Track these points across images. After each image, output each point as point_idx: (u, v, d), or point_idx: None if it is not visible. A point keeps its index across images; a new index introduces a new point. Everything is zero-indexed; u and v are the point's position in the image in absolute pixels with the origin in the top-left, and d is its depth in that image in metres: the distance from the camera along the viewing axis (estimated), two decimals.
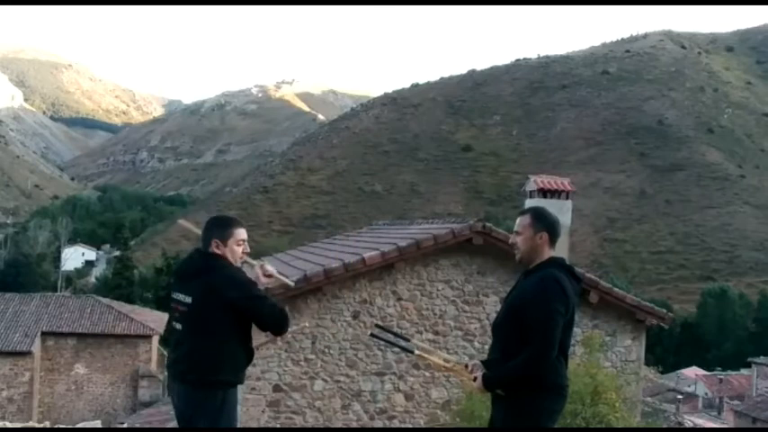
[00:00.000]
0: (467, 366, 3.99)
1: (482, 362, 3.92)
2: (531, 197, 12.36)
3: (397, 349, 10.09)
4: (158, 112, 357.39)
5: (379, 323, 10.56)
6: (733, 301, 66.80)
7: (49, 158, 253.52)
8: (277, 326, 3.86)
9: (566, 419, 8.21)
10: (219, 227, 3.90)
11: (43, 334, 29.41)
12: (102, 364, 30.05)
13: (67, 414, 29.17)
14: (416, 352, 4.54)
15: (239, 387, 4.09)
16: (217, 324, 3.76)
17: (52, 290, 65.70)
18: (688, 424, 21.28)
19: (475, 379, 3.77)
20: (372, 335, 5.81)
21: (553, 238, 3.81)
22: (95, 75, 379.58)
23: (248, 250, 3.94)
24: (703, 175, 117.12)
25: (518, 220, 3.89)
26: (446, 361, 4.29)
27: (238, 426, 3.82)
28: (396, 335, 5.83)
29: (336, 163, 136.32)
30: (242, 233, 3.90)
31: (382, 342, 10.10)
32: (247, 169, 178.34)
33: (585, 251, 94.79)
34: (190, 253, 4.05)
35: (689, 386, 44.43)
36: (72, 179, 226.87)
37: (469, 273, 11.66)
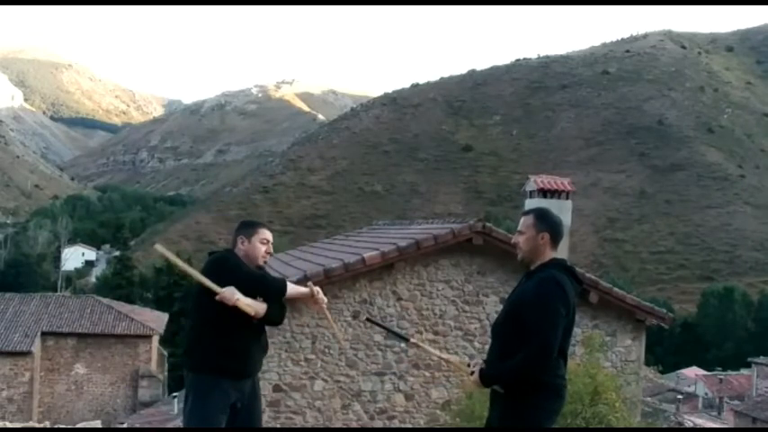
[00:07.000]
0: (468, 365, 3.99)
1: (483, 361, 3.92)
2: (531, 197, 12.35)
3: (391, 336, 10.02)
4: (158, 112, 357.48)
5: (370, 316, 10.51)
6: (735, 301, 66.69)
7: (49, 158, 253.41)
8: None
9: (566, 419, 8.20)
10: (246, 226, 4.19)
11: (43, 334, 29.35)
12: (102, 364, 29.99)
13: (67, 414, 29.12)
14: (412, 340, 4.59)
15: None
16: (193, 309, 4.07)
17: (52, 290, 65.65)
18: (688, 424, 21.27)
19: (472, 373, 3.77)
20: (368, 319, 5.81)
21: (555, 240, 3.81)
22: (95, 75, 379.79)
23: (271, 251, 4.17)
24: (703, 175, 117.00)
25: (521, 220, 3.89)
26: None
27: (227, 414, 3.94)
28: (386, 328, 5.83)
29: (336, 163, 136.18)
30: (266, 233, 4.14)
31: (378, 328, 10.06)
32: (247, 169, 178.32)
33: (585, 251, 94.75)
34: None
35: (689, 386, 44.41)
36: (72, 179, 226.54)
37: (469, 273, 11.65)
